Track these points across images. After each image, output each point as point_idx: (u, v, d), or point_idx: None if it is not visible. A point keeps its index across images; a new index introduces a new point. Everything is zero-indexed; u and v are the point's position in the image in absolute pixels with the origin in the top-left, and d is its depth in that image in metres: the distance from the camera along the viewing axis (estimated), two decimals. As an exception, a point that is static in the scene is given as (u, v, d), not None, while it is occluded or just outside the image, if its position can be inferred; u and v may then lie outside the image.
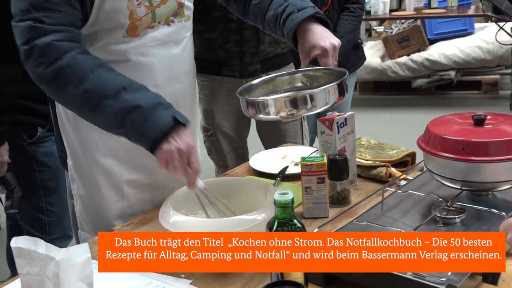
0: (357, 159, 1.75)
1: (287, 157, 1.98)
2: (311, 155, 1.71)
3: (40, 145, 1.95)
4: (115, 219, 1.64)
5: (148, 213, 1.64)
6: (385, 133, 4.08)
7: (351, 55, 3.02)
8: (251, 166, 1.92)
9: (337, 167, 1.57)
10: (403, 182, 1.59)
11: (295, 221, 1.12)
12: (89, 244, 1.15)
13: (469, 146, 1.34)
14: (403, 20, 5.71)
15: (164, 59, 1.58)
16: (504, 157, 1.32)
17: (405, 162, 1.79)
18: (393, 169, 1.73)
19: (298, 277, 1.11)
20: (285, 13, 1.55)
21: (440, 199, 1.39)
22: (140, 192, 1.66)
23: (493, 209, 1.31)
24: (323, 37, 1.49)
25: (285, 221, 1.11)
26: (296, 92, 1.53)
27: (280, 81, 1.58)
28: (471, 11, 5.09)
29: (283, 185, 1.76)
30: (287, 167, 1.85)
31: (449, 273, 1.08)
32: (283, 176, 1.80)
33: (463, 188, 1.40)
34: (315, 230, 1.33)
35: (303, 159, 1.55)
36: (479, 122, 1.40)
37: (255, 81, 1.59)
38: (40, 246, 1.10)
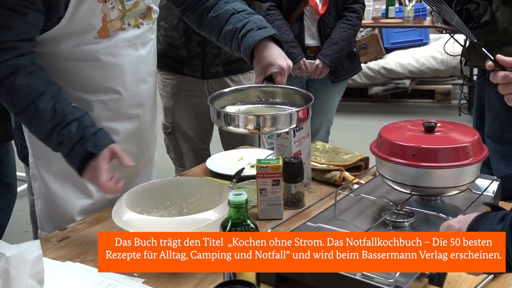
0: (312, 163, 1.78)
1: (244, 159, 1.99)
2: (267, 158, 1.73)
3: None
4: (78, 215, 1.63)
5: (102, 212, 1.62)
6: (341, 138, 4.13)
7: (344, 62, 3.08)
8: (207, 167, 1.92)
9: (292, 170, 1.60)
10: (356, 186, 1.62)
11: (249, 221, 1.13)
12: (41, 241, 1.14)
13: (419, 152, 1.38)
14: (361, 29, 5.81)
15: (133, 60, 1.61)
16: (452, 163, 1.37)
17: (359, 167, 1.83)
18: (346, 173, 1.76)
19: (250, 277, 1.12)
20: (244, 28, 1.62)
21: (391, 203, 1.43)
22: None
23: (441, 214, 1.35)
24: (281, 57, 1.60)
25: (238, 221, 1.12)
26: (264, 112, 1.58)
27: (249, 93, 1.66)
28: (426, 22, 5.20)
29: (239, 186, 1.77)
30: (243, 169, 1.86)
31: (397, 274, 1.11)
32: (239, 178, 1.81)
33: (412, 192, 1.44)
34: (269, 231, 1.34)
35: (258, 161, 1.56)
36: (429, 129, 1.44)
37: (226, 90, 1.67)
38: (-11, 242, 1.09)
